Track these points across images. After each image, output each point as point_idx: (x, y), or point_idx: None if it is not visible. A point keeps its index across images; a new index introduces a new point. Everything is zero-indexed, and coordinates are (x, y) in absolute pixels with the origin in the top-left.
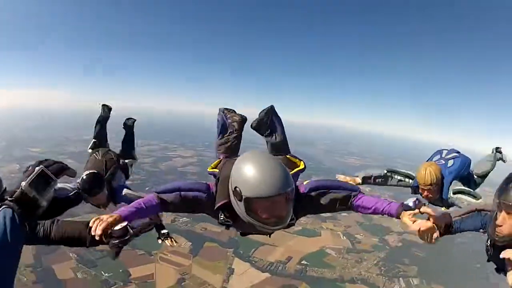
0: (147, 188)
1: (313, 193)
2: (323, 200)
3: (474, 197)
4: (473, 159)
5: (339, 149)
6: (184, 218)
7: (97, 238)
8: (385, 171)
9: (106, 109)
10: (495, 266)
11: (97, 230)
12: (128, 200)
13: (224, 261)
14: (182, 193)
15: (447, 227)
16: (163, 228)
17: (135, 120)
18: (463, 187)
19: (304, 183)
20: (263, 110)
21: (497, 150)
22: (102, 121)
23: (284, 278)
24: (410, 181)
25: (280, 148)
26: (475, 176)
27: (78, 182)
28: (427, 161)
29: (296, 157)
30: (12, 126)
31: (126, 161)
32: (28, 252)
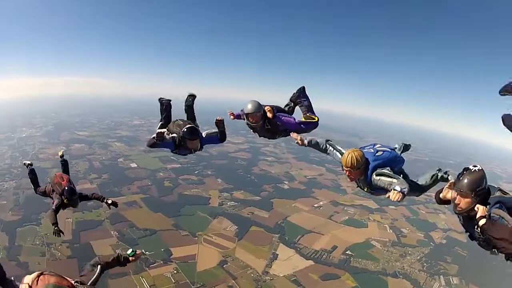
0: (196, 172)
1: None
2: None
3: (393, 178)
4: None
5: (390, 143)
6: (232, 202)
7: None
8: (324, 142)
9: (191, 98)
10: (469, 234)
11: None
12: (209, 139)
13: (268, 246)
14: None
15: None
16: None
17: (194, 96)
18: (384, 171)
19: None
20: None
21: (438, 170)
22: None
23: (327, 266)
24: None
25: (306, 110)
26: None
27: (180, 132)
28: (359, 149)
29: (313, 115)
30: (60, 112)
31: None
32: (67, 228)
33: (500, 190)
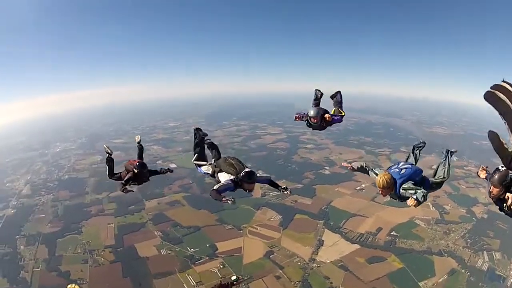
0: None
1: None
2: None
3: (414, 189)
4: None
5: (427, 120)
6: (275, 192)
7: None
8: (364, 164)
9: (200, 132)
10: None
11: None
12: (259, 180)
13: (314, 232)
14: None
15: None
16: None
17: (206, 134)
18: (408, 185)
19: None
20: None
21: (448, 152)
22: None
23: (373, 249)
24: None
25: (338, 105)
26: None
27: (238, 176)
28: (387, 170)
29: (341, 110)
30: (92, 124)
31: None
32: (110, 233)
33: None
